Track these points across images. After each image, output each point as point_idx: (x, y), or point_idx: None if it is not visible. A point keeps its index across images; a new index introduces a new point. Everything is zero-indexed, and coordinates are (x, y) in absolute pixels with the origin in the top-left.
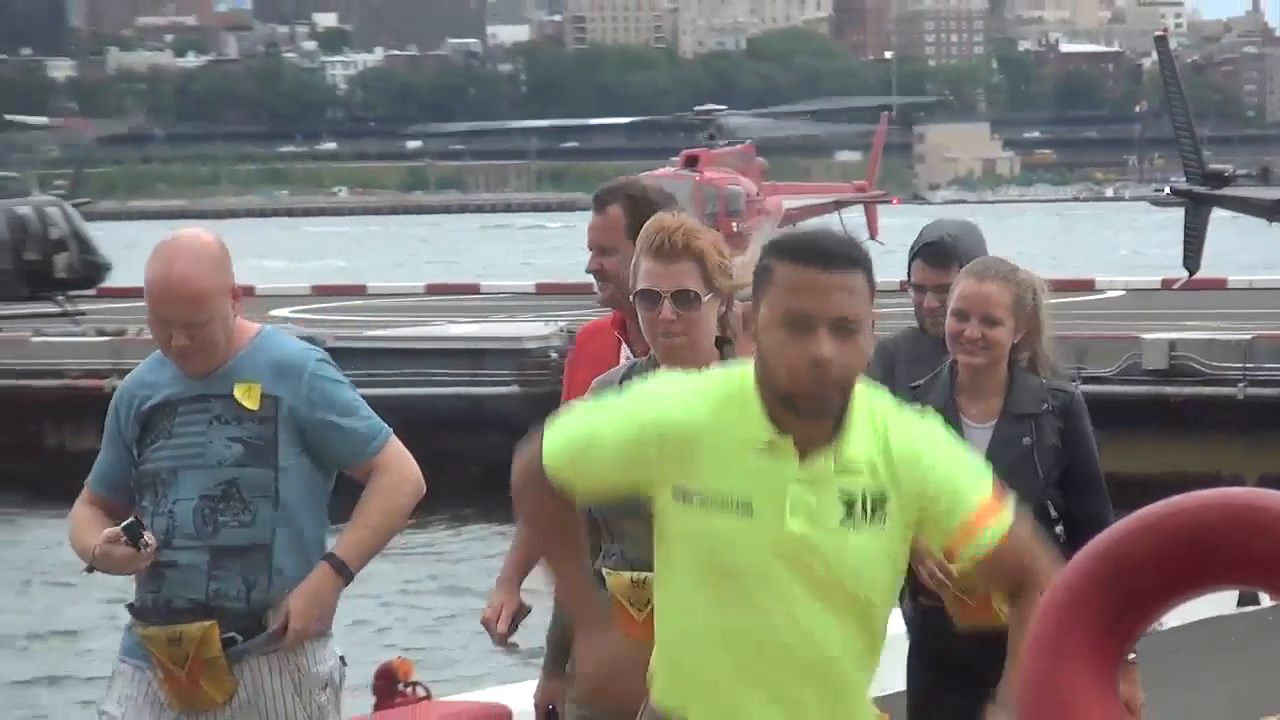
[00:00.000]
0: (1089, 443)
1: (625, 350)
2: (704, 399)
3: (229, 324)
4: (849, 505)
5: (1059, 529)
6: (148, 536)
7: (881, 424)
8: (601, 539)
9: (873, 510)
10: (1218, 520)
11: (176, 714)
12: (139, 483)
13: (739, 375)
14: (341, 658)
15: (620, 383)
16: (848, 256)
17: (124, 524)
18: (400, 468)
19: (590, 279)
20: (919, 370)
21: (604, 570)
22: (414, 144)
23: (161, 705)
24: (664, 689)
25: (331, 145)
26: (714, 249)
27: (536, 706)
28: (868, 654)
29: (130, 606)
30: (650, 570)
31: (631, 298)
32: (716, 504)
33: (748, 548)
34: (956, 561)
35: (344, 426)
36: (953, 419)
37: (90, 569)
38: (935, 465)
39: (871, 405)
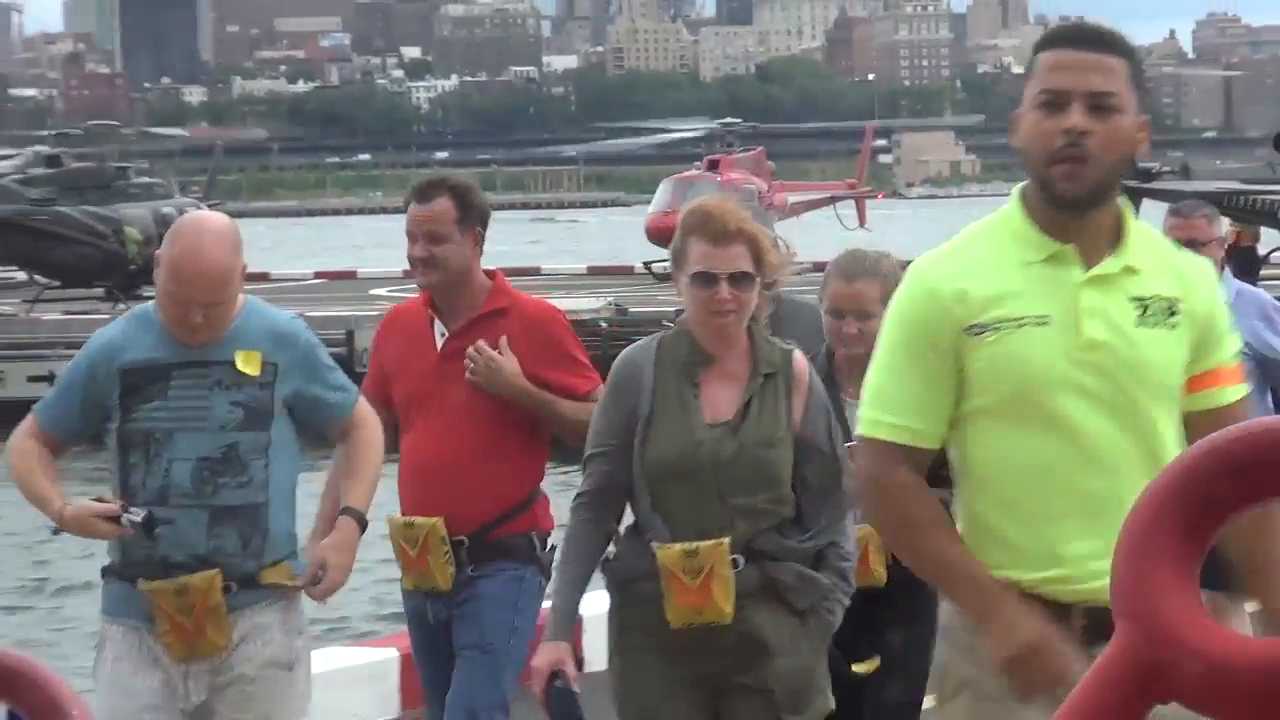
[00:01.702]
0: None
1: (439, 325)
2: (971, 247)
3: (237, 301)
4: (1143, 307)
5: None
6: (158, 529)
7: (1162, 243)
8: (638, 512)
9: (1167, 312)
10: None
11: (178, 663)
12: (125, 439)
13: (999, 213)
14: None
15: (655, 355)
16: (1103, 39)
17: (142, 518)
18: (374, 419)
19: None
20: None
21: (654, 546)
22: (484, 155)
23: (157, 659)
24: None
25: (417, 154)
26: (762, 231)
27: (538, 673)
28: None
29: (110, 567)
30: (699, 539)
31: (683, 280)
32: (1011, 324)
33: (1048, 359)
34: (1188, 404)
35: (334, 388)
36: (833, 396)
37: (57, 532)
38: (1215, 295)
39: (1149, 228)
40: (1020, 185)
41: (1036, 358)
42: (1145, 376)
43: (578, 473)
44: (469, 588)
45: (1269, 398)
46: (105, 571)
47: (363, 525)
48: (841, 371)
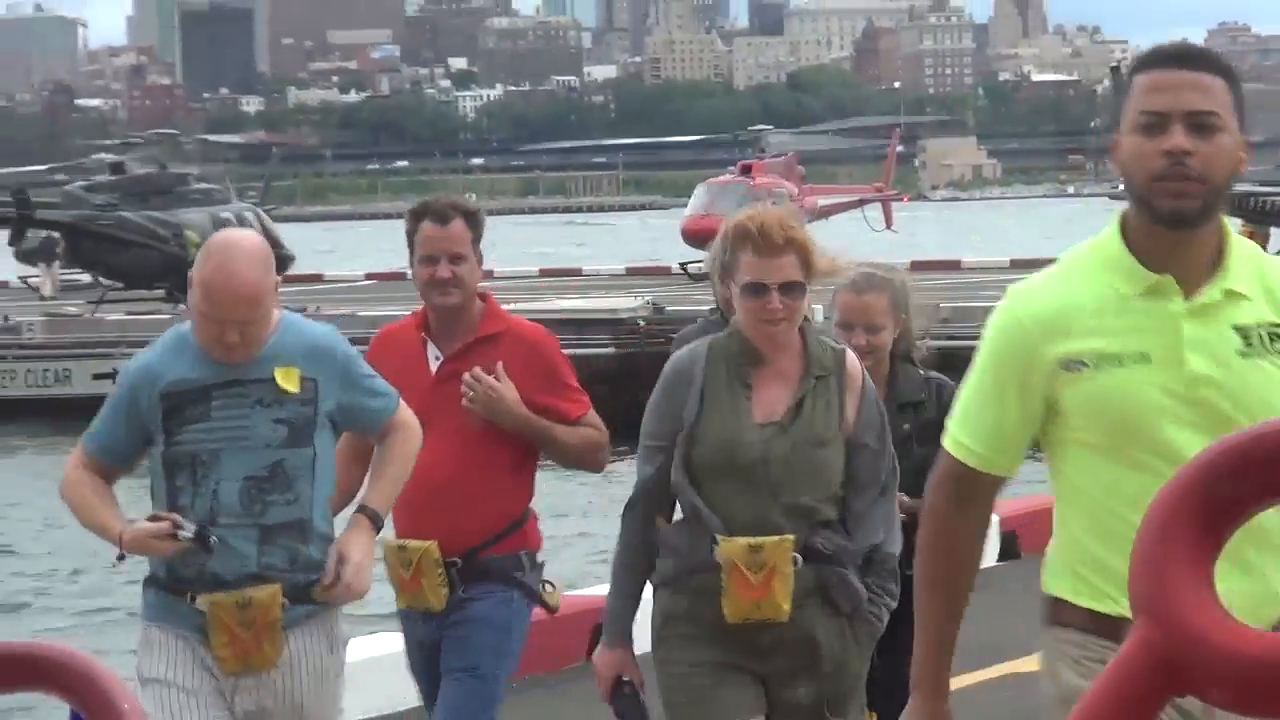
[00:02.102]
0: None
1: (433, 348)
2: (1069, 276)
3: (271, 318)
4: (1245, 336)
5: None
6: (212, 540)
7: (1262, 260)
8: (687, 507)
9: (1270, 338)
10: None
11: (228, 676)
12: (170, 462)
13: (1097, 242)
14: None
15: (706, 355)
16: (1199, 57)
17: (194, 532)
18: (415, 424)
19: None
20: None
21: (718, 539)
22: (524, 160)
23: (209, 668)
24: (1074, 577)
25: (463, 160)
26: (810, 238)
27: (603, 679)
28: None
29: (154, 578)
30: (755, 534)
31: (734, 289)
32: (1110, 361)
33: (1150, 396)
34: None
35: (375, 398)
36: None
37: (122, 557)
38: None
39: (1246, 246)
40: (1120, 211)
41: (1138, 396)
42: (1251, 406)
43: (569, 490)
44: (460, 609)
45: None
46: (148, 581)
47: (377, 525)
48: None
